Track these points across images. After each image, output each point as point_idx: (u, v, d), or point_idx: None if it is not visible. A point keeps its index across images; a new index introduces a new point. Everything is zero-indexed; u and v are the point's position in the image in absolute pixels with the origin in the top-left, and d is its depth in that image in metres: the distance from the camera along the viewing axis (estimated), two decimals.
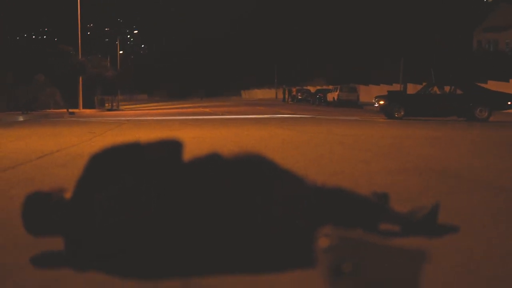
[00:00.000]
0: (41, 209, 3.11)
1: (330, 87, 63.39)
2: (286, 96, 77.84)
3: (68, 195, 3.17)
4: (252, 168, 3.14)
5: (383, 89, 59.29)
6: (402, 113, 24.62)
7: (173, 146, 3.12)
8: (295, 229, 3.08)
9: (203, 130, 15.60)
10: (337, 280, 2.10)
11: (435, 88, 26.21)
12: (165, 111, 42.62)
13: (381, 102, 26.00)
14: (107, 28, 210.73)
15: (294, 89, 76.57)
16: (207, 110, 40.84)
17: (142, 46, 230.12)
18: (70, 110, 39.39)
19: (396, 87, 51.77)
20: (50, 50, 36.37)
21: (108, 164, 3.06)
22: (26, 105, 33.94)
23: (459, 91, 24.75)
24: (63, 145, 10.87)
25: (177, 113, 35.11)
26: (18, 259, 3.09)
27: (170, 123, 20.98)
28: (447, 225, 3.74)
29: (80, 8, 49.33)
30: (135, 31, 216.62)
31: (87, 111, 44.68)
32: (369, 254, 2.11)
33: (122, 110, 56.42)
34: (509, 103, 24.47)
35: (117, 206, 2.95)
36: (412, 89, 49.86)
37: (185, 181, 3.03)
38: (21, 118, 26.35)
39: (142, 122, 21.79)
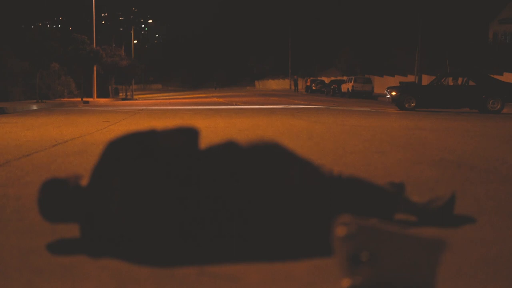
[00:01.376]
0: (57, 196, 3.12)
1: (345, 78, 63.30)
2: (299, 86, 77.87)
3: (84, 182, 3.17)
4: (268, 156, 3.13)
5: (398, 80, 59.17)
6: (413, 104, 24.62)
7: (189, 134, 3.11)
8: (311, 217, 3.07)
9: (217, 119, 15.60)
10: (354, 269, 2.09)
11: (449, 79, 26.12)
12: (179, 100, 42.71)
13: (393, 93, 25.99)
14: (121, 17, 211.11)
15: (308, 80, 76.51)
16: (221, 100, 40.89)
17: (157, 35, 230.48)
18: (85, 99, 39.54)
19: (411, 78, 51.70)
20: (61, 43, 36.41)
21: (124, 151, 3.06)
22: (40, 94, 34.07)
23: (472, 83, 24.61)
24: (78, 133, 10.90)
25: (191, 103, 35.17)
26: (34, 245, 3.10)
27: (184, 112, 21.01)
28: (464, 215, 3.73)
29: None
30: (150, 21, 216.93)
31: (101, 100, 44.84)
32: (386, 243, 2.10)
33: (136, 99, 56.61)
34: None
35: (133, 193, 2.95)
36: (427, 80, 49.66)
37: (201, 168, 3.03)
38: (36, 107, 26.45)
39: (156, 112, 21.82)
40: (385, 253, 2.08)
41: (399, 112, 22.35)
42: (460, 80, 25.27)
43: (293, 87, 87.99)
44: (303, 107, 25.81)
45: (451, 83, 25.57)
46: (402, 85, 30.40)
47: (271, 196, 3.03)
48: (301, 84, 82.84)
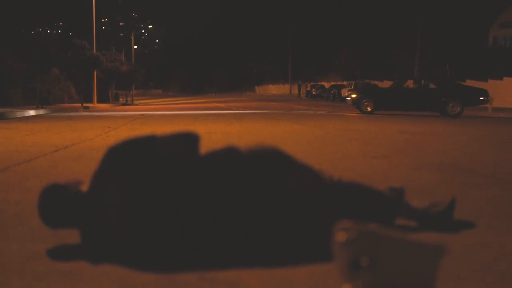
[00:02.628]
0: (57, 201, 3.12)
1: (345, 82, 63.34)
2: (302, 91, 78.03)
3: (84, 187, 3.18)
4: (268, 162, 3.13)
5: None
6: (370, 107, 24.74)
7: (189, 140, 3.12)
8: (311, 223, 3.07)
9: (217, 125, 15.61)
10: (354, 274, 2.10)
11: (410, 82, 26.32)
12: (179, 106, 42.74)
13: (353, 96, 26.11)
14: (121, 23, 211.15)
15: (308, 85, 76.58)
16: (221, 105, 40.91)
17: (157, 41, 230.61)
18: (85, 104, 39.52)
19: (411, 83, 51.69)
20: (61, 47, 36.46)
21: (124, 156, 3.06)
22: (41, 99, 34.08)
23: (433, 86, 24.79)
24: (78, 139, 10.91)
25: (191, 108, 35.19)
26: (35, 251, 3.10)
27: (184, 118, 21.02)
28: (464, 220, 3.74)
29: (95, 2, 49.47)
30: (150, 26, 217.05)
31: (102, 105, 44.82)
32: (386, 248, 2.10)
33: (137, 104, 56.60)
34: (481, 98, 24.57)
35: (133, 199, 2.95)
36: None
37: (201, 174, 3.03)
38: (36, 112, 26.44)
39: (156, 117, 21.83)
40: (385, 258, 2.08)
41: (360, 116, 22.68)
42: (420, 84, 25.57)
43: (293, 92, 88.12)
44: (303, 113, 25.82)
45: (412, 86, 25.77)
46: (361, 87, 31.03)
47: (271, 201, 3.03)
48: (301, 89, 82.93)
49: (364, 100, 24.98)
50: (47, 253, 3.07)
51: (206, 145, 3.27)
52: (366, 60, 73.98)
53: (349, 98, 27.46)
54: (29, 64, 34.51)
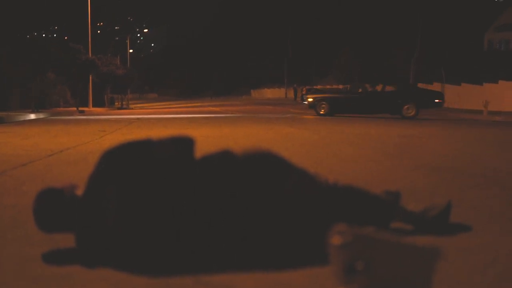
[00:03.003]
0: (53, 206, 3.12)
1: (341, 86, 63.30)
2: (298, 95, 77.98)
3: (80, 191, 3.17)
4: (263, 166, 3.14)
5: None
6: (324, 110, 25.66)
7: (185, 143, 3.12)
8: (307, 227, 3.08)
9: (213, 129, 15.61)
10: (350, 278, 2.10)
11: (367, 85, 27.01)
12: (175, 109, 42.69)
13: (309, 100, 27.19)
14: (117, 27, 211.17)
15: (304, 89, 76.47)
16: (216, 109, 40.86)
17: (152, 45, 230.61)
18: (80, 108, 39.44)
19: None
20: (61, 48, 36.50)
21: (119, 160, 3.06)
22: (36, 103, 34.02)
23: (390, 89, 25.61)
24: (74, 143, 10.89)
25: (186, 112, 35.16)
26: (31, 254, 3.10)
27: (180, 122, 21.02)
28: (460, 223, 3.74)
29: (91, 6, 49.44)
30: (145, 30, 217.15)
31: (97, 109, 44.76)
32: (382, 252, 2.10)
33: (132, 108, 56.54)
34: (436, 101, 25.27)
35: (128, 202, 2.95)
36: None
37: (197, 177, 3.04)
38: (31, 116, 26.40)
39: (152, 121, 21.82)
40: (381, 262, 2.08)
41: (315, 118, 23.29)
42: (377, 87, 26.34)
43: (288, 95, 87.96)
44: (298, 117, 25.85)
45: (369, 89, 26.31)
46: (318, 90, 32.47)
47: (267, 205, 3.03)
48: (297, 93, 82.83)
49: (319, 104, 25.92)
50: (43, 257, 3.07)
51: (201, 149, 3.27)
52: (364, 63, 74.00)
53: (306, 102, 28.70)
54: (28, 64, 34.47)
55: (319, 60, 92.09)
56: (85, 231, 3.04)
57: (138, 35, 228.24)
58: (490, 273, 2.77)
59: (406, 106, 24.18)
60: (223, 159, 3.12)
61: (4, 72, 36.64)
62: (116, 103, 68.98)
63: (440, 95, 26.00)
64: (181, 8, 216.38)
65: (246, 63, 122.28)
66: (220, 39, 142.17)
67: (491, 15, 67.02)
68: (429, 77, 50.10)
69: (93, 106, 48.29)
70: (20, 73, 37.03)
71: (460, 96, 43.89)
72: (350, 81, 64.52)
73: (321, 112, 25.64)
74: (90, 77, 46.94)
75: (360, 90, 26.26)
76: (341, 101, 25.98)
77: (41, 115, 27.87)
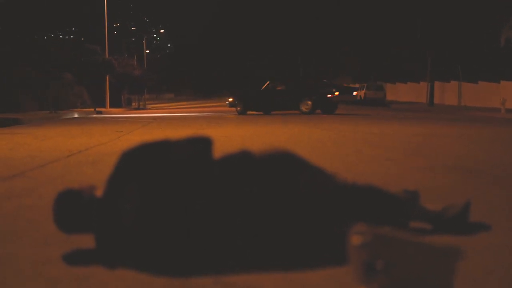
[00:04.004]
0: (72, 206, 3.13)
1: (356, 85, 63.18)
2: None
3: (98, 192, 3.18)
4: (282, 165, 3.13)
5: (410, 87, 59.00)
6: (240, 108, 28.47)
7: (203, 143, 3.12)
8: (326, 226, 3.07)
9: (230, 128, 15.63)
10: (369, 278, 2.09)
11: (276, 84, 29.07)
12: (191, 110, 42.82)
13: (230, 100, 30.26)
14: (133, 27, 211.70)
15: None
16: (233, 109, 40.92)
17: (169, 45, 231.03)
18: (97, 109, 39.64)
19: (423, 85, 51.45)
20: (78, 49, 36.77)
21: (138, 161, 3.06)
22: (54, 104, 34.21)
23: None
24: (91, 143, 10.94)
25: (203, 112, 35.25)
26: (49, 256, 3.11)
27: (197, 122, 21.06)
28: (479, 223, 3.72)
29: (107, 7, 49.62)
30: (162, 30, 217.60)
31: (114, 110, 44.98)
32: (402, 252, 2.09)
33: (149, 109, 56.77)
34: (329, 96, 26.80)
35: (147, 203, 2.96)
36: (439, 87, 49.59)
37: (216, 177, 3.04)
38: (49, 117, 26.54)
39: (169, 121, 21.88)
40: (401, 262, 2.07)
41: (236, 116, 25.05)
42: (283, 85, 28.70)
43: None
44: (315, 115, 25.81)
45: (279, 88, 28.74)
46: (238, 91, 35.63)
47: (285, 204, 3.03)
48: None
49: (236, 103, 28.99)
50: (62, 258, 3.08)
51: (220, 149, 3.27)
52: (377, 70, 73.81)
53: (227, 102, 31.31)
54: (42, 70, 34.72)
55: (330, 61, 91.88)
56: (104, 231, 3.05)
57: (155, 35, 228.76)
58: (510, 273, 2.75)
59: (303, 102, 26.29)
60: (242, 159, 3.12)
61: (18, 77, 36.93)
62: (133, 104, 69.30)
63: (332, 90, 27.45)
64: (190, 11, 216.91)
65: (260, 63, 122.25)
66: (237, 40, 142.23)
67: (507, 12, 66.56)
68: (446, 75, 49.90)
69: (110, 106, 48.53)
70: (34, 79, 37.28)
71: (477, 94, 43.72)
72: (366, 80, 64.46)
73: (237, 110, 28.76)
74: (107, 78, 47.13)
75: (279, 88, 28.16)
76: (252, 101, 28.79)
77: (58, 116, 27.99)
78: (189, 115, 29.22)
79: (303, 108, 25.95)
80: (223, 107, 46.97)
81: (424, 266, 2.09)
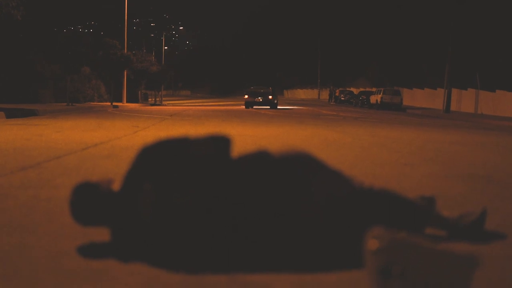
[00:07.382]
0: (89, 199, 3.14)
1: (374, 89, 62.95)
2: (327, 96, 77.80)
3: (116, 186, 3.19)
4: (299, 167, 3.12)
5: (427, 93, 58.79)
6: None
7: (222, 142, 3.12)
8: (342, 229, 3.06)
9: (247, 127, 15.62)
10: (385, 282, 2.08)
11: None
12: (207, 107, 42.85)
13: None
14: (153, 23, 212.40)
15: (337, 90, 76.21)
16: (249, 108, 40.94)
17: (187, 42, 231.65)
18: (114, 104, 39.73)
19: (441, 91, 51.15)
20: (97, 43, 36.89)
21: (157, 157, 3.07)
22: (71, 97, 34.35)
23: None
24: (107, 137, 10.97)
25: (219, 110, 35.28)
26: (65, 248, 3.12)
27: (213, 120, 21.08)
28: (495, 231, 3.70)
29: (127, 3, 49.74)
30: (181, 27, 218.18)
31: (131, 105, 45.05)
32: (418, 257, 2.09)
33: (165, 105, 56.80)
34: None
35: (164, 199, 2.96)
36: (455, 93, 49.35)
37: (233, 176, 3.04)
38: (66, 110, 26.64)
39: (184, 118, 21.90)
40: (417, 268, 2.07)
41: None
42: None
43: (322, 97, 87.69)
44: (331, 118, 25.80)
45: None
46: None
47: (302, 206, 3.02)
48: (328, 94, 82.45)
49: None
50: (77, 251, 3.09)
51: (238, 148, 3.27)
52: (394, 71, 73.64)
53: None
54: (60, 63, 34.86)
55: (348, 69, 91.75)
56: (120, 226, 3.06)
57: (173, 32, 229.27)
58: None
59: None
60: (259, 159, 3.12)
61: (36, 70, 37.12)
62: (150, 99, 69.42)
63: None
64: (215, 11, 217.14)
65: (278, 64, 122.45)
66: (253, 40, 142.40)
67: None
68: (464, 83, 49.66)
69: (127, 101, 48.65)
70: (55, 67, 37.46)
71: (495, 102, 43.47)
72: (383, 85, 64.32)
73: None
74: (125, 73, 47.23)
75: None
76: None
77: (75, 109, 28.09)
78: (204, 111, 29.34)
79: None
80: (239, 106, 47.00)
81: (440, 273, 2.08)
